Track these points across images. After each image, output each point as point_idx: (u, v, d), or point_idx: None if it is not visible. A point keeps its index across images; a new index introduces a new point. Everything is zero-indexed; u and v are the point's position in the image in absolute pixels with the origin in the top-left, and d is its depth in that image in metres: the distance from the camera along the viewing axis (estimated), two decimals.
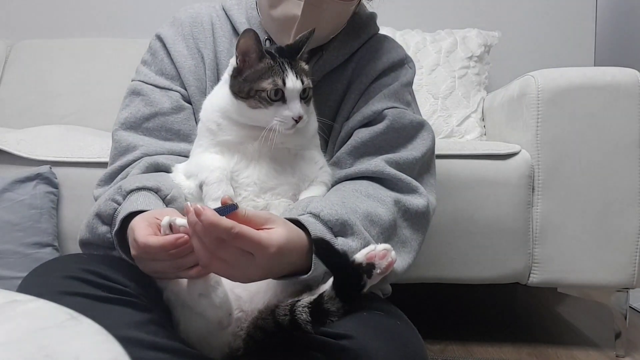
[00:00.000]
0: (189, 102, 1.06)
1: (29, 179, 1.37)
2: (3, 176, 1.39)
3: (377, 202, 0.92)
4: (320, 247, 0.76)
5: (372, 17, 1.12)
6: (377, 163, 0.98)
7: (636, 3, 2.28)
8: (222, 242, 0.69)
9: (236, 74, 0.90)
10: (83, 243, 0.91)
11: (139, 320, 0.71)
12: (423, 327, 0.88)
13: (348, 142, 1.02)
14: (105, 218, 0.86)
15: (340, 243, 0.81)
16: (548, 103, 1.39)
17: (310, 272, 0.77)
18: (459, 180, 1.40)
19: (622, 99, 1.38)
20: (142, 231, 0.75)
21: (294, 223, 0.78)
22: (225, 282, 0.77)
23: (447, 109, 1.96)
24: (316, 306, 0.73)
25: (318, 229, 0.79)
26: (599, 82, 1.40)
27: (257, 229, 0.71)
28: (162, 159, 0.97)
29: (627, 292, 1.45)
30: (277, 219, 0.75)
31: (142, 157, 0.98)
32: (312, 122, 0.96)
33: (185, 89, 1.06)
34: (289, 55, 0.90)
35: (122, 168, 0.98)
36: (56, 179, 1.40)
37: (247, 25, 1.06)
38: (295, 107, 0.87)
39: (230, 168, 0.90)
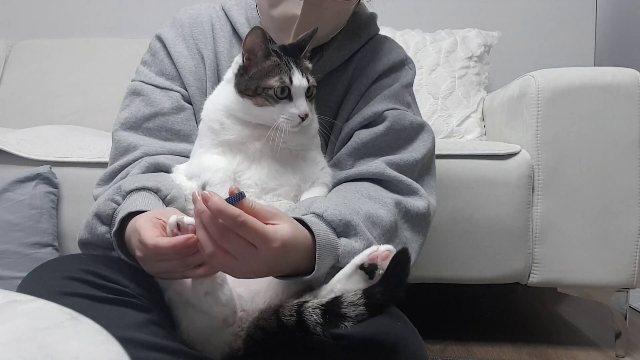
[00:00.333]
0: (190, 103, 1.05)
1: (29, 179, 1.37)
2: (3, 176, 1.39)
3: (378, 203, 0.92)
4: (401, 257, 0.72)
5: (373, 17, 1.12)
6: (377, 164, 0.98)
7: (636, 3, 2.28)
8: (227, 232, 0.68)
9: (242, 71, 0.90)
10: (82, 243, 0.91)
11: (139, 320, 0.71)
12: (423, 327, 0.88)
13: (348, 143, 1.02)
14: (105, 218, 0.86)
15: (343, 244, 0.81)
16: (548, 103, 1.39)
17: (313, 273, 0.77)
18: (458, 180, 1.40)
19: (622, 99, 1.38)
20: (149, 232, 0.74)
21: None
22: (228, 280, 0.77)
23: (447, 109, 1.96)
24: (331, 308, 0.70)
25: (321, 229, 0.79)
26: (599, 82, 1.40)
27: (264, 223, 0.71)
28: (162, 159, 0.97)
29: (627, 292, 1.45)
30: (284, 216, 0.75)
31: (142, 157, 0.98)
32: (314, 122, 0.96)
33: (186, 90, 1.06)
34: (292, 53, 0.90)
35: (122, 168, 0.98)
36: (56, 179, 1.40)
37: (246, 26, 1.07)
38: (301, 105, 0.87)
39: (233, 169, 0.90)
